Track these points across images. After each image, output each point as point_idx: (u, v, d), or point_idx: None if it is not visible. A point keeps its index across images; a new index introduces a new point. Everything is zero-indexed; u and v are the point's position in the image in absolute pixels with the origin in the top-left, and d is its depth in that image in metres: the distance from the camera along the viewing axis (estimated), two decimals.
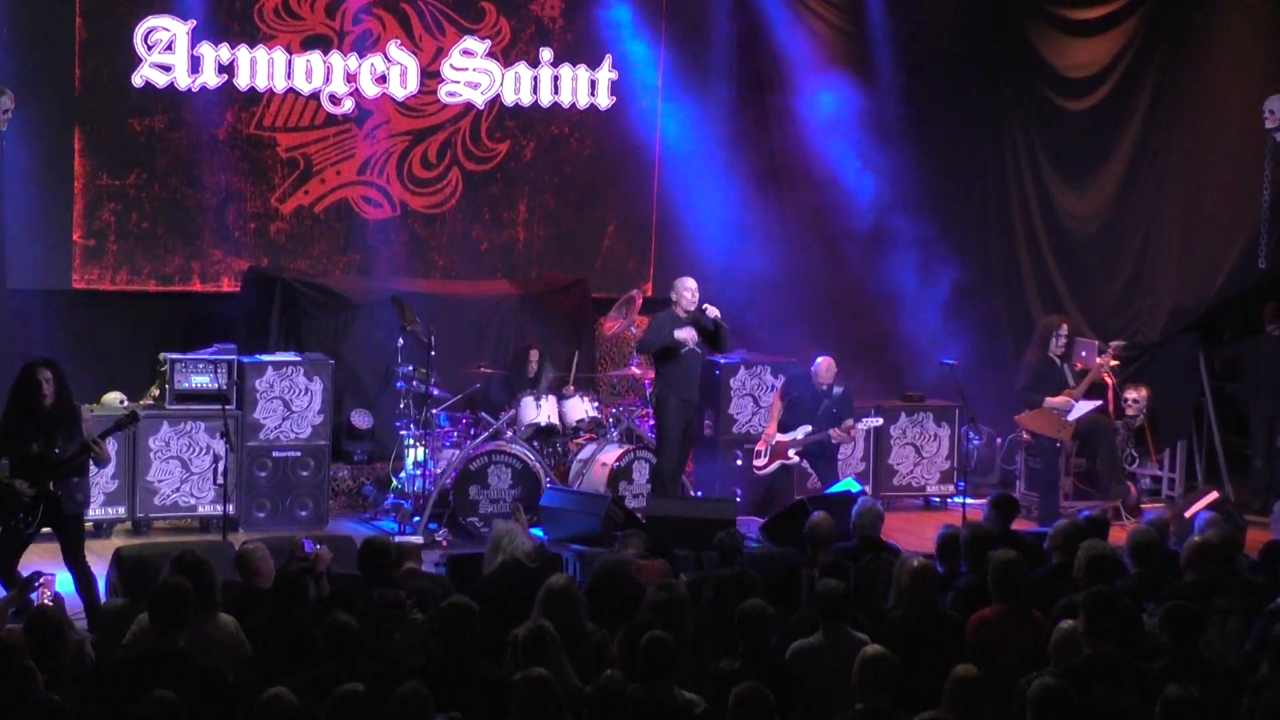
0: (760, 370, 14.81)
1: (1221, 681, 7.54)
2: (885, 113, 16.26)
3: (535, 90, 16.07)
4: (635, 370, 14.51)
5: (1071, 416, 14.32)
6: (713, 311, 13.10)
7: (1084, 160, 16.11)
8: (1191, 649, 7.58)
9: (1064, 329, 14.49)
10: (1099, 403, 14.57)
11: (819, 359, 14.10)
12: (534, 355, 14.33)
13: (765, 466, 14.05)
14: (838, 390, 14.01)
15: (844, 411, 14.01)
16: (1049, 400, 14.31)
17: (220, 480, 12.59)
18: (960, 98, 16.45)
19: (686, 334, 13.08)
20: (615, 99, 16.29)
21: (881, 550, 10.00)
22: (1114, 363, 14.61)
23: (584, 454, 13.96)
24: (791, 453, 13.97)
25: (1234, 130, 15.16)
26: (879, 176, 16.23)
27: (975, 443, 14.82)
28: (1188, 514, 12.45)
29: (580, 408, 14.08)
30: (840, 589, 8.00)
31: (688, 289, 13.23)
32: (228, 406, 12.93)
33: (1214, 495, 13.01)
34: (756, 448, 14.13)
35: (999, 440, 15.66)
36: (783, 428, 14.02)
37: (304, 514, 13.44)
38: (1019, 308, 16.49)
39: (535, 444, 13.75)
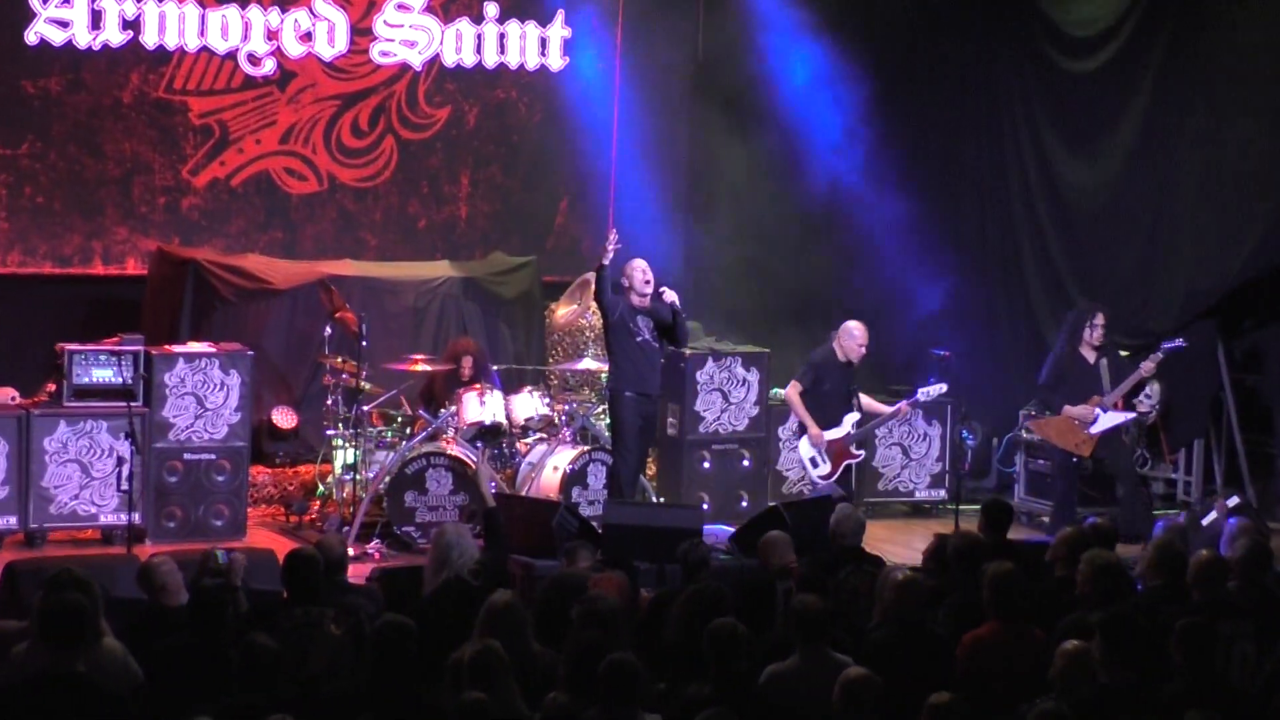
0: (730, 363, 14.82)
1: (1244, 707, 7.58)
2: (868, 78, 16.30)
3: (479, 50, 16.06)
4: (590, 363, 14.51)
5: (1096, 429, 13.80)
6: (670, 296, 12.88)
7: (1089, 126, 16.15)
8: (1209, 670, 7.62)
9: (1099, 318, 14.01)
10: (1130, 415, 14.04)
11: (848, 324, 13.51)
12: (467, 363, 14.15)
13: (831, 475, 13.45)
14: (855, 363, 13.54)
15: (857, 384, 13.60)
16: (1069, 409, 13.85)
17: (125, 486, 12.51)
18: (952, 58, 16.49)
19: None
20: (568, 59, 16.30)
21: (863, 562, 10.03)
22: (1153, 366, 13.83)
23: (534, 456, 13.95)
24: (853, 448, 13.55)
25: (1257, 92, 15.21)
26: (862, 147, 16.27)
27: (970, 442, 14.88)
28: (1205, 522, 12.53)
29: (529, 404, 14.06)
30: (819, 606, 8.02)
31: (638, 270, 13.04)
32: (133, 404, 12.89)
33: (1235, 500, 13.10)
34: (807, 454, 13.54)
35: (996, 440, 15.72)
36: (824, 423, 13.47)
37: (219, 524, 13.40)
38: (1016, 291, 16.55)
39: (479, 445, 13.73)
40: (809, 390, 13.51)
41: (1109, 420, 13.77)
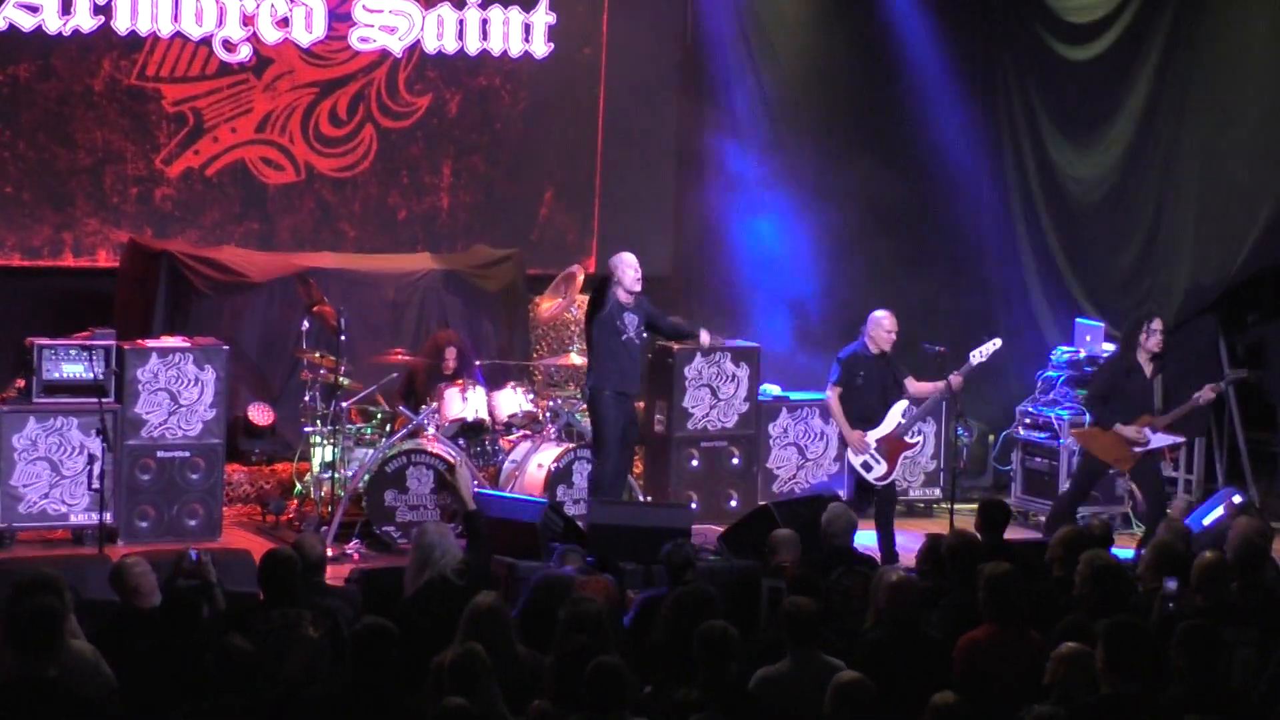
0: (719, 358, 14.83)
1: (1246, 712, 7.59)
2: (860, 65, 16.32)
3: (461, 36, 16.05)
4: (576, 358, 14.52)
5: (1143, 449, 13.28)
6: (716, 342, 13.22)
7: (1088, 116, 16.18)
8: (1211, 674, 7.63)
9: (1157, 323, 13.29)
10: (1180, 439, 13.60)
11: (875, 314, 13.23)
12: (450, 353, 14.20)
13: (887, 475, 13.13)
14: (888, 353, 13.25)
15: (898, 370, 13.29)
16: (1121, 429, 13.17)
17: (96, 485, 12.51)
18: (945, 45, 16.50)
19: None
20: (553, 46, 16.29)
21: (856, 562, 10.05)
22: (1213, 396, 13.31)
23: (518, 454, 13.96)
24: (908, 437, 13.24)
25: (1262, 81, 15.22)
26: (853, 136, 16.28)
27: (965, 440, 14.90)
28: (1206, 522, 12.57)
29: (513, 400, 14.07)
30: (811, 608, 8.03)
31: (629, 266, 13.04)
32: (105, 400, 12.85)
33: (1238, 498, 13.12)
34: (858, 460, 13.14)
35: (992, 438, 15.74)
36: (864, 422, 13.14)
37: (193, 523, 13.39)
38: (1014, 285, 16.58)
39: (461, 442, 13.73)
40: (845, 390, 13.19)
41: (1159, 442, 13.35)
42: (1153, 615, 8.99)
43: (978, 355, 13.24)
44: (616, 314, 12.96)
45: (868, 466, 13.14)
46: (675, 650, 7.90)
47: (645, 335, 13.28)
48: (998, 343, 13.36)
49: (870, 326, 13.17)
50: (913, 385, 13.28)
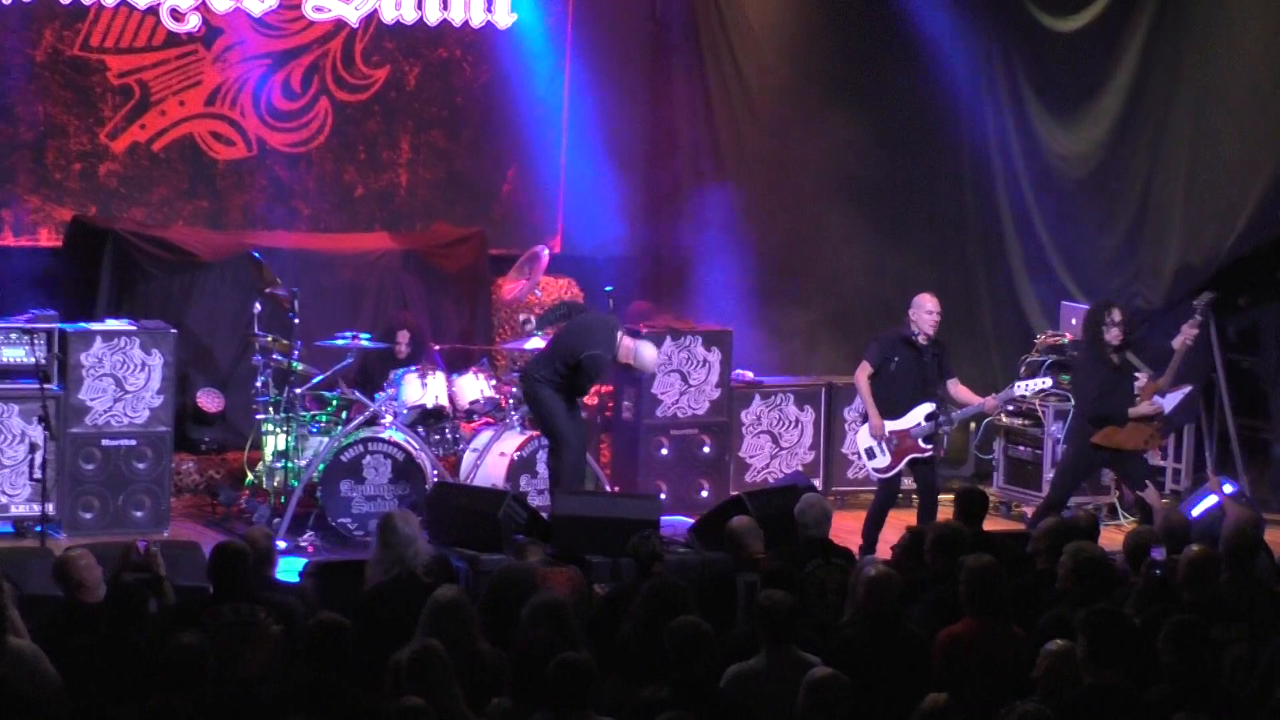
0: (690, 342, 14.84)
1: (1236, 709, 7.63)
2: (836, 37, 16.33)
3: (420, 5, 16.02)
4: (540, 342, 14.50)
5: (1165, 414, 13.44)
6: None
7: (1075, 91, 16.21)
8: (1200, 672, 7.67)
9: (1115, 314, 13.17)
10: (1187, 388, 13.53)
11: (919, 297, 13.02)
12: (403, 337, 14.20)
13: (889, 469, 13.03)
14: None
15: (946, 365, 13.14)
16: (1134, 411, 13.05)
17: (38, 474, 12.51)
18: (925, 17, 16.51)
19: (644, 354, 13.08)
20: (516, 16, 16.26)
21: (832, 555, 10.06)
22: (1195, 331, 13.26)
23: (479, 442, 13.96)
24: (922, 441, 12.93)
25: (1253, 54, 15.27)
26: (830, 113, 16.29)
27: (945, 428, 14.90)
28: (1194, 513, 12.61)
29: (474, 386, 14.07)
30: (787, 602, 8.05)
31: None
32: (47, 386, 12.83)
33: (1229, 488, 13.19)
34: (865, 447, 13.12)
35: (974, 425, 15.77)
36: (888, 411, 12.98)
37: (140, 514, 13.37)
38: (997, 265, 16.60)
39: (420, 430, 13.73)
40: (877, 371, 13.03)
41: (1173, 402, 13.45)
42: (1139, 584, 9.05)
43: (1022, 387, 13.26)
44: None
45: (871, 453, 13.07)
46: (645, 646, 7.92)
47: None
48: (1049, 382, 13.53)
49: (912, 307, 13.03)
50: (955, 389, 13.11)
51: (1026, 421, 15.24)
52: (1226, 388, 15.79)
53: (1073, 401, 14.15)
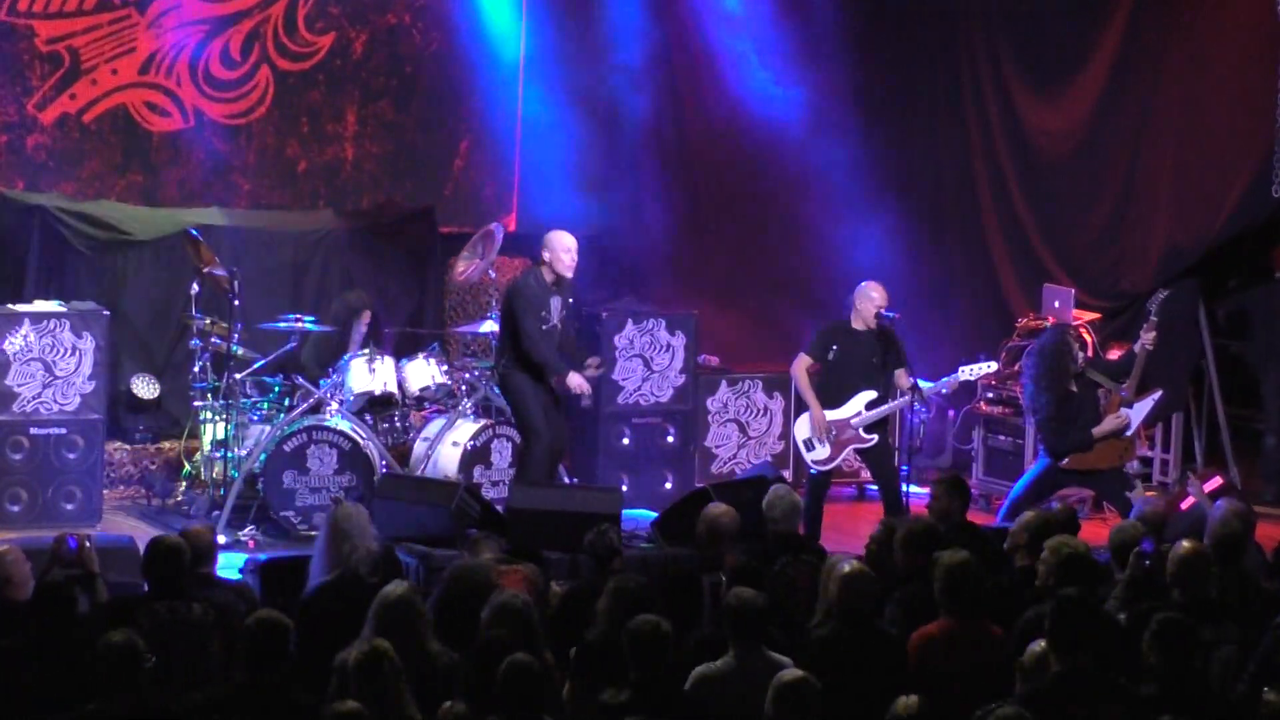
0: (653, 325, 14.86)
1: (1223, 712, 7.68)
2: (808, 10, 16.34)
3: None
4: (494, 325, 14.50)
5: (1135, 428, 13.32)
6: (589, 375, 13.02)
7: (1057, 64, 16.24)
8: (1186, 672, 7.71)
9: (1076, 347, 13.18)
10: (1156, 393, 13.40)
11: (864, 285, 13.07)
12: (366, 317, 14.18)
13: (828, 461, 13.05)
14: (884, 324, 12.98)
15: (893, 355, 13.04)
16: (1098, 430, 13.03)
17: None
18: None
19: (577, 381, 12.88)
20: None
21: (802, 551, 10.08)
22: (1153, 334, 13.10)
23: (430, 430, 13.96)
24: (863, 431, 12.99)
25: (1243, 26, 15.32)
26: (801, 87, 16.32)
27: (923, 415, 14.93)
28: (1184, 505, 12.65)
29: (425, 372, 14.05)
30: (756, 601, 8.06)
31: (567, 251, 12.85)
32: None
33: (1217, 481, 13.23)
34: (803, 439, 13.11)
35: (951, 413, 15.82)
36: (829, 400, 13.01)
37: (71, 507, 13.35)
38: (975, 246, 16.63)
39: (368, 418, 13.72)
40: (820, 362, 13.12)
41: (1141, 412, 13.33)
42: (1126, 574, 9.09)
43: (967, 372, 13.35)
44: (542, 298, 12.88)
45: (810, 445, 13.09)
46: (606, 647, 7.93)
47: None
48: (994, 366, 13.62)
49: (857, 297, 13.04)
50: (901, 379, 13.07)
51: (1007, 410, 15.28)
52: (1216, 375, 15.86)
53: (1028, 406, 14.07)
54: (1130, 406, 13.19)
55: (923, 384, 13.13)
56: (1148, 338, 13.04)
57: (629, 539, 11.82)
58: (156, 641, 8.02)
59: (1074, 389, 13.04)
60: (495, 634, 7.77)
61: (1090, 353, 13.22)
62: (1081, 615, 7.62)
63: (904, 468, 13.83)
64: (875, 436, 13.05)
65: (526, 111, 16.52)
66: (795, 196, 16.44)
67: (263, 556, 11.37)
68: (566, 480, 13.91)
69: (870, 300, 12.98)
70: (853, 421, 13.00)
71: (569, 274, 12.93)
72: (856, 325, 13.04)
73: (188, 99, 15.61)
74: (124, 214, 14.97)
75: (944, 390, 13.80)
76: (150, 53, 15.48)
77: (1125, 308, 15.77)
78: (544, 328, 12.87)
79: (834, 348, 13.05)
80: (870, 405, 13.01)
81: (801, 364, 13.17)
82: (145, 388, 14.56)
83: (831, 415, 13.00)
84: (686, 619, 8.59)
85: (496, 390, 13.95)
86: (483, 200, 16.51)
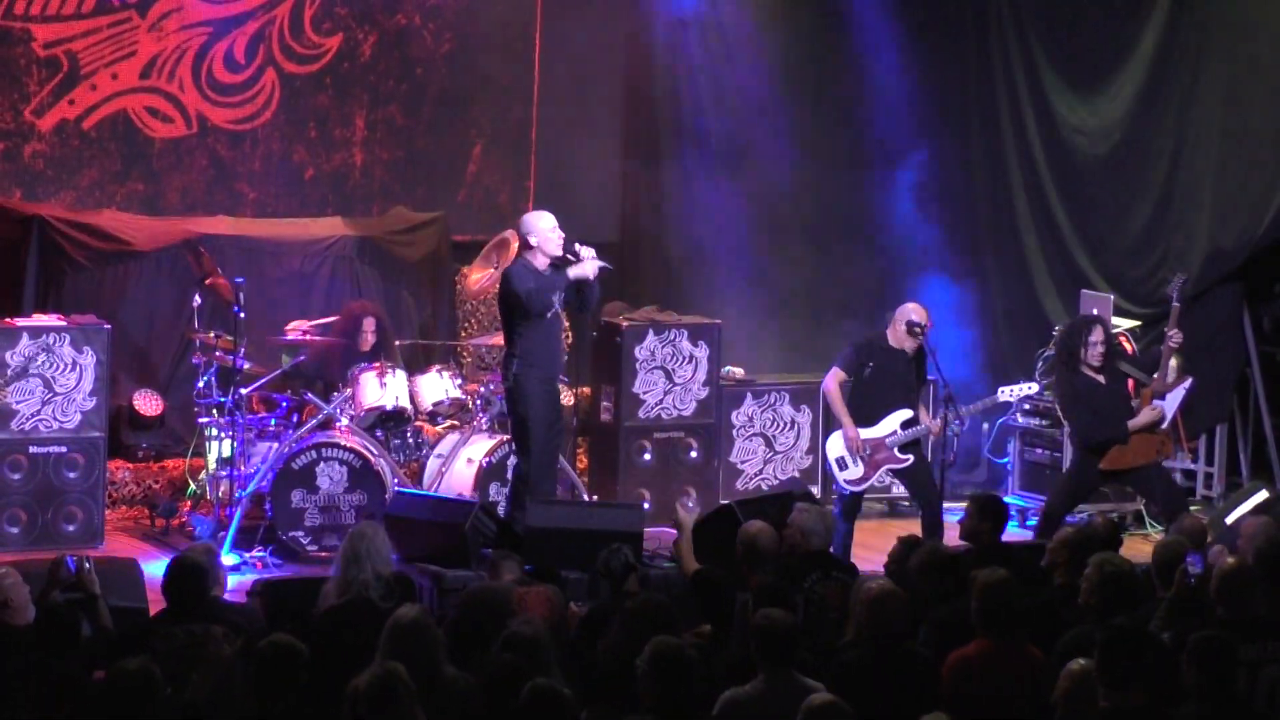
0: (675, 335, 14.86)
1: None
2: (833, 5, 16.37)
3: None
4: None
5: (1169, 420, 13.42)
6: (588, 252, 12.54)
7: (1095, 60, 16.24)
8: (1229, 691, 7.70)
9: (1097, 333, 13.16)
10: (1187, 381, 13.51)
11: (906, 305, 13.14)
12: (369, 324, 14.22)
13: (860, 481, 13.06)
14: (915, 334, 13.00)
15: (921, 371, 13.15)
16: (1133, 423, 13.03)
17: None
18: None
19: (581, 269, 12.48)
20: None
21: (833, 569, 10.09)
22: (1176, 327, 13.25)
23: (444, 447, 13.97)
24: (898, 451, 13.01)
25: None
26: (831, 85, 16.32)
27: (956, 428, 14.92)
28: (1229, 520, 12.64)
29: (438, 386, 14.07)
30: (786, 622, 8.06)
31: (553, 229, 12.56)
32: None
33: (1263, 495, 13.22)
34: (836, 457, 13.08)
35: (985, 426, 15.79)
36: (862, 417, 13.04)
37: (71, 528, 13.39)
38: (1010, 251, 16.61)
39: (379, 434, 13.74)
40: (853, 377, 13.12)
41: (1175, 402, 13.42)
42: (1171, 591, 9.06)
43: (1006, 393, 13.41)
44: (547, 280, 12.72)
45: (843, 464, 13.07)
46: (625, 670, 7.93)
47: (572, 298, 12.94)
48: (1034, 387, 13.64)
49: (897, 316, 13.04)
50: (933, 426, 13.12)
51: (1044, 422, 15.26)
52: (1262, 383, 15.82)
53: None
54: (1162, 398, 13.23)
55: (961, 409, 13.10)
56: (1175, 340, 13.20)
57: (650, 558, 11.83)
58: (174, 666, 8.05)
59: (1102, 380, 13.06)
60: (506, 657, 7.78)
61: (1099, 356, 13.15)
62: (1133, 648, 7.56)
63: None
64: (910, 456, 13.06)
65: (542, 114, 16.53)
66: (819, 198, 16.42)
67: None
68: (585, 497, 13.93)
69: (910, 320, 12.96)
70: (887, 441, 13.01)
71: (560, 251, 12.56)
72: (893, 343, 13.04)
73: (191, 104, 15.66)
74: (125, 224, 14.99)
75: (981, 411, 13.78)
76: (151, 56, 15.53)
77: (1166, 314, 15.68)
78: (548, 315, 12.59)
79: (870, 364, 13.04)
80: (905, 425, 13.02)
81: (835, 378, 13.15)
82: (147, 404, 14.60)
83: (865, 434, 13.00)
84: (712, 640, 8.60)
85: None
86: (496, 207, 16.52)
